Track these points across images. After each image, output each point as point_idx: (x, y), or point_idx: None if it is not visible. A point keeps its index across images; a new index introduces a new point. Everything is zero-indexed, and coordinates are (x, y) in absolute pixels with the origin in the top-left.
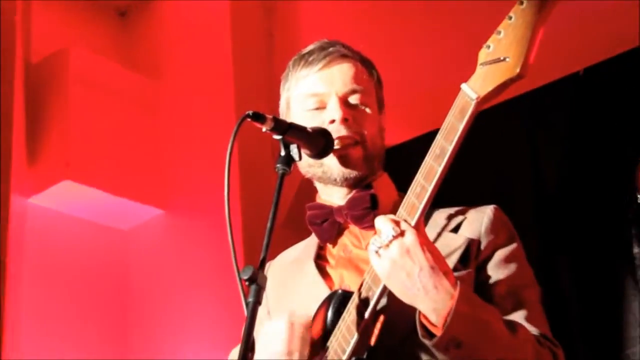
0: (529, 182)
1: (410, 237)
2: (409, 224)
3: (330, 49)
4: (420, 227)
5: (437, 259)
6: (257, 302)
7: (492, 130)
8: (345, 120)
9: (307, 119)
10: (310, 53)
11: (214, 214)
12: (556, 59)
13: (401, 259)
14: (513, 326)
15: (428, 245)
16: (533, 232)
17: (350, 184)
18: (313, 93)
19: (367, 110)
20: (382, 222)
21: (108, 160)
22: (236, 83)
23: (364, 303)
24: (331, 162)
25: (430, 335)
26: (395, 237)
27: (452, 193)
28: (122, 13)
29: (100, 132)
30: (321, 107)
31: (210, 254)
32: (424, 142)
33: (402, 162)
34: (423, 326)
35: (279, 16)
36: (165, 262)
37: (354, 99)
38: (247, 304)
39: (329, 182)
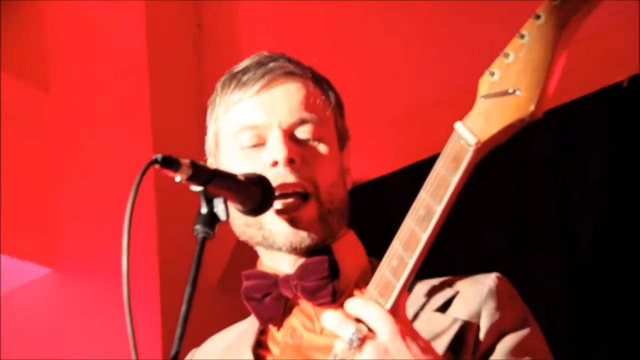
0: (553, 234)
1: (386, 330)
2: (382, 309)
3: (271, 64)
4: (398, 311)
5: (426, 352)
6: None
7: (502, 161)
8: (291, 162)
9: (241, 160)
10: (244, 71)
11: (116, 274)
12: (592, 65)
13: None
14: None
15: (412, 336)
16: (559, 302)
17: (301, 253)
18: (248, 125)
19: (323, 147)
20: (338, 323)
21: None
22: (153, 96)
23: None
24: (274, 226)
25: None
26: (363, 340)
27: (444, 252)
28: None
29: None
30: (259, 144)
31: (112, 325)
32: (411, 176)
33: (382, 200)
34: None
35: (209, 2)
36: (52, 337)
37: (303, 132)
38: None
39: (273, 249)
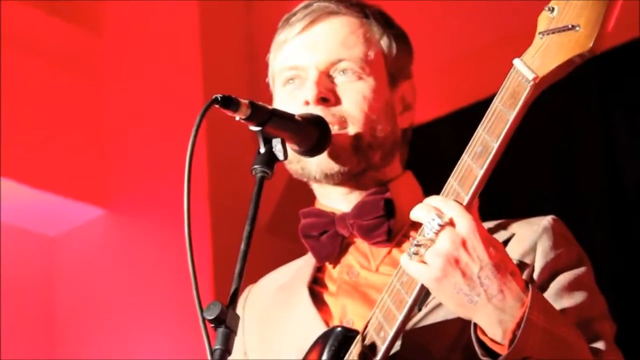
0: (600, 179)
1: (465, 223)
2: (461, 206)
3: (315, 5)
4: (474, 213)
5: (501, 255)
6: (226, 350)
7: (549, 107)
8: (323, 100)
9: (284, 100)
10: (294, 13)
11: (170, 215)
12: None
13: (455, 253)
14: (597, 354)
15: (489, 237)
16: (604, 248)
17: (337, 182)
18: (289, 65)
19: (362, 84)
20: (421, 210)
21: (31, 145)
22: (204, 39)
23: (370, 348)
24: (309, 156)
25: (492, 355)
26: (443, 227)
27: (495, 195)
28: None
29: (20, 105)
30: (301, 84)
31: (165, 267)
32: (453, 122)
33: (425, 147)
34: (481, 344)
35: None
36: (106, 279)
37: (342, 70)
38: (212, 353)
39: (313, 181)
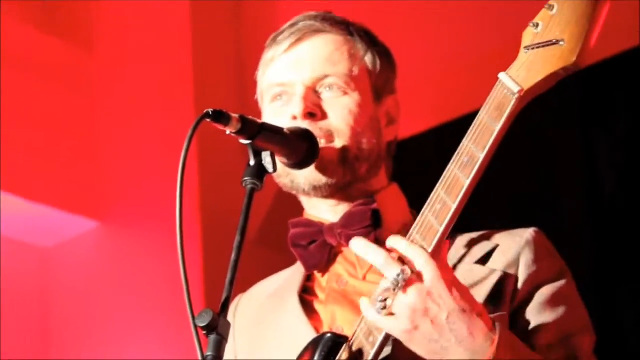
0: (580, 191)
1: (430, 274)
2: (426, 253)
3: (301, 23)
4: (440, 255)
5: (467, 298)
6: (218, 357)
7: (530, 120)
8: (310, 115)
9: (272, 116)
10: (281, 31)
11: (162, 227)
12: (620, 25)
13: (422, 304)
14: None
15: (453, 282)
16: (584, 256)
17: (326, 194)
18: (276, 82)
19: (347, 99)
20: (384, 263)
21: (25, 158)
22: (195, 56)
23: (359, 353)
24: (297, 169)
25: None
26: (407, 282)
27: (476, 207)
28: None
29: (15, 120)
30: (288, 100)
31: (157, 278)
32: (438, 136)
33: (409, 161)
34: None
35: None
36: (99, 289)
37: (327, 86)
38: (204, 359)
39: (302, 194)
